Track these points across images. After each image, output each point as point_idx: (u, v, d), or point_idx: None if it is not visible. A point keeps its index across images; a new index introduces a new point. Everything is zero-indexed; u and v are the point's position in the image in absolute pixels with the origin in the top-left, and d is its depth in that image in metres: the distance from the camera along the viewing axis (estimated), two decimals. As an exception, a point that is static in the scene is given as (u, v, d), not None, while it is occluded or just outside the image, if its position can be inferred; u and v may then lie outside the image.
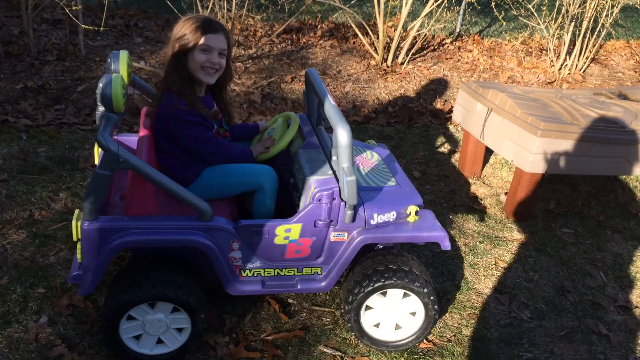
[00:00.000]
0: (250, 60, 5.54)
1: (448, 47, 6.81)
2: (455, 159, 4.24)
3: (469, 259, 3.12)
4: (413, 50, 6.13)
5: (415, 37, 6.23)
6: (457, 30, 7.19)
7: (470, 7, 7.20)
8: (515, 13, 6.55)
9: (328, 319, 2.58)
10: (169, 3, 5.37)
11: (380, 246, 2.54)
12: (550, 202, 3.76)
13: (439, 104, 5.05)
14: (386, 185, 2.45)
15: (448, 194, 3.75)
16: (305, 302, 2.67)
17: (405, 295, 2.34)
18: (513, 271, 3.07)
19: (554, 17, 6.24)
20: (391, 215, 2.31)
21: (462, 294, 2.85)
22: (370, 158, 2.68)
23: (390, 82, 5.55)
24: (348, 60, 5.99)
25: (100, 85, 1.98)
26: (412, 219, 2.35)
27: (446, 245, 2.35)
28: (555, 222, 3.57)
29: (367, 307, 2.37)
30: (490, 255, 3.18)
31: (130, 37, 5.73)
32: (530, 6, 6.24)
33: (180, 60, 2.25)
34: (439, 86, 5.67)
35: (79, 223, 2.05)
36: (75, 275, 2.18)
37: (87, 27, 4.92)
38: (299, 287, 2.35)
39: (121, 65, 2.24)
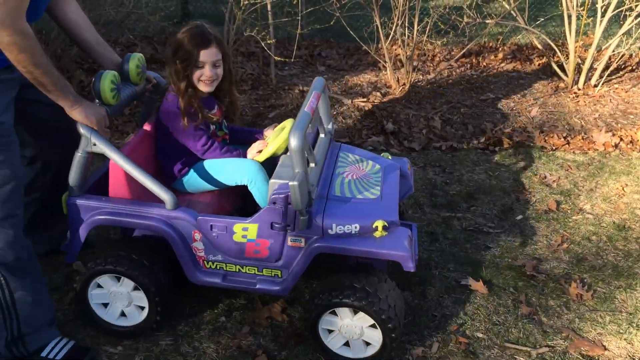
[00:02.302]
0: (428, 85, 5.53)
1: (649, 66, 6.14)
2: (665, 191, 3.76)
3: None
4: (608, 72, 5.62)
5: (610, 57, 5.72)
6: (661, 47, 6.45)
7: (677, 22, 6.42)
8: None
9: (522, 359, 2.43)
10: (351, 32, 5.59)
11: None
12: None
13: (641, 130, 4.55)
14: (363, 196, 2.38)
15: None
16: (497, 338, 2.54)
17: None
18: None
19: None
20: (353, 227, 2.22)
21: None
22: (365, 167, 2.61)
23: (582, 106, 5.14)
24: (533, 82, 5.69)
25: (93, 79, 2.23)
26: (378, 234, 2.22)
27: (408, 266, 2.18)
28: None
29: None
30: None
31: (314, 66, 6.08)
32: None
33: (179, 73, 2.46)
34: (640, 110, 5.12)
35: (65, 199, 2.35)
36: (64, 245, 2.47)
37: (279, 58, 5.32)
38: (257, 286, 2.38)
39: (130, 65, 2.47)
